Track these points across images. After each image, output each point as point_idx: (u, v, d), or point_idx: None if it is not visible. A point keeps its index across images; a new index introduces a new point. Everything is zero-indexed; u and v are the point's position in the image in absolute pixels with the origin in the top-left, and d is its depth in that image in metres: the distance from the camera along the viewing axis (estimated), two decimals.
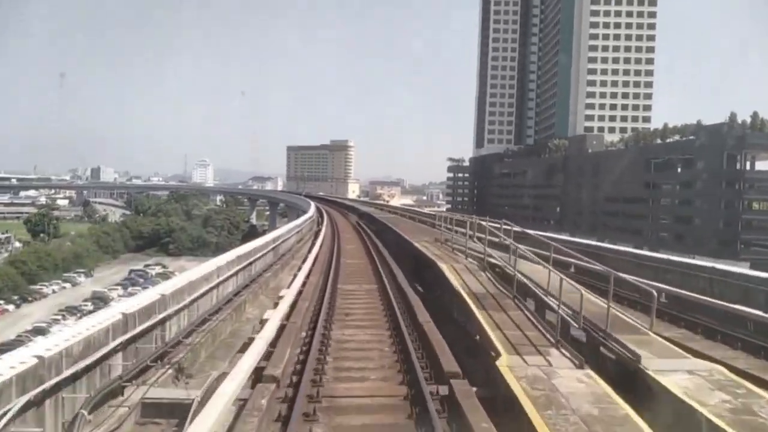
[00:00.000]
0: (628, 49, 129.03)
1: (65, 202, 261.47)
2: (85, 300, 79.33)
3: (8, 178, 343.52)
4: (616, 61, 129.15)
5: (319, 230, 39.20)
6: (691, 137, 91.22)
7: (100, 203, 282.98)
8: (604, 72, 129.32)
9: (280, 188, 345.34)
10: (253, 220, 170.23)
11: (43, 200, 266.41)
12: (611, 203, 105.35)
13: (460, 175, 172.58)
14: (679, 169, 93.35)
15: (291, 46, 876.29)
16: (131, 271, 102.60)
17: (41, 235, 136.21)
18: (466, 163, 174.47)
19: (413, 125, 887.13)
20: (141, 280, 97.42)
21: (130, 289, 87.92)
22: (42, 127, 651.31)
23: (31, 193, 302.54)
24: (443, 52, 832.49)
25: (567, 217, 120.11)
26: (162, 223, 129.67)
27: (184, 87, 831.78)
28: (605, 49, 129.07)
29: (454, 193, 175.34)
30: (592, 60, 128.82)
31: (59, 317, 69.74)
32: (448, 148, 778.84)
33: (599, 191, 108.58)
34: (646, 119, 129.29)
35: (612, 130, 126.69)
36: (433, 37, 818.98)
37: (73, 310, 72.74)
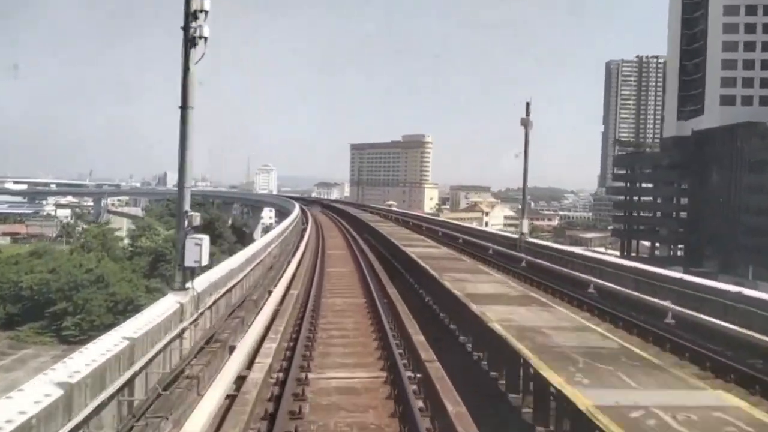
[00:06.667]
0: None
1: (66, 212, 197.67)
2: None
3: (47, 183, 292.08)
4: None
5: None
6: None
7: (124, 215, 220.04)
8: None
9: (346, 194, 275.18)
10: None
11: (48, 209, 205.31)
12: None
13: (639, 170, 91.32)
14: None
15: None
16: None
17: None
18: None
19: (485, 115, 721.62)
20: None
21: None
22: (110, 132, 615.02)
23: (63, 200, 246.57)
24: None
25: None
26: (62, 272, 56.69)
27: (251, 92, 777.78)
28: None
29: (627, 204, 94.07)
30: None
31: None
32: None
33: None
34: None
35: None
36: None
37: None
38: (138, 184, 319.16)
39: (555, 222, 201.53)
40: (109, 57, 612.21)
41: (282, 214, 75.26)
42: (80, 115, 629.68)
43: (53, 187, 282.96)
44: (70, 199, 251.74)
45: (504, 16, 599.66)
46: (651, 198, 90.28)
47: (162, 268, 60.26)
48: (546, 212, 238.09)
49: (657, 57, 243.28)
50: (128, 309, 56.51)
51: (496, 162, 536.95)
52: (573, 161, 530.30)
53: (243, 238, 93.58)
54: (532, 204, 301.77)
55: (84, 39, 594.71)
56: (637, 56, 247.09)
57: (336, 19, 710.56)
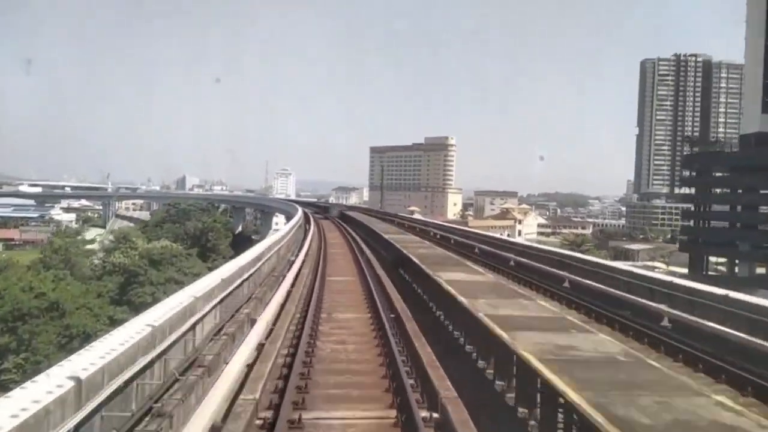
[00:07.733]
0: None
1: (71, 216, 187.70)
2: None
3: (62, 186, 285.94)
4: None
5: None
6: None
7: (132, 219, 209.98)
8: None
9: (365, 199, 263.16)
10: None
11: (54, 213, 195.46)
12: None
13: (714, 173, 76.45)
14: None
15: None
16: None
17: None
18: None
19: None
20: None
21: None
22: (133, 135, 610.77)
23: (76, 203, 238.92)
24: None
25: None
26: (8, 296, 44.66)
27: (271, 96, 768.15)
28: None
29: (700, 213, 79.29)
30: None
31: None
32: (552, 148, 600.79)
33: None
34: None
35: None
36: None
37: None
38: (157, 188, 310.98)
39: (588, 230, 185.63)
40: (129, 59, 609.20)
41: (289, 219, 62.92)
42: (103, 118, 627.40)
43: (68, 190, 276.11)
44: (83, 202, 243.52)
45: (524, 18, 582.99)
46: (728, 206, 75.46)
47: (132, 293, 47.06)
48: (576, 219, 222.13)
49: (696, 55, 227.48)
50: (84, 347, 43.87)
51: (518, 167, 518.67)
52: (596, 166, 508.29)
53: (246, 249, 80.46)
54: (558, 210, 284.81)
55: (111, 43, 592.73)
56: (675, 54, 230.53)
57: (357, 21, 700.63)
